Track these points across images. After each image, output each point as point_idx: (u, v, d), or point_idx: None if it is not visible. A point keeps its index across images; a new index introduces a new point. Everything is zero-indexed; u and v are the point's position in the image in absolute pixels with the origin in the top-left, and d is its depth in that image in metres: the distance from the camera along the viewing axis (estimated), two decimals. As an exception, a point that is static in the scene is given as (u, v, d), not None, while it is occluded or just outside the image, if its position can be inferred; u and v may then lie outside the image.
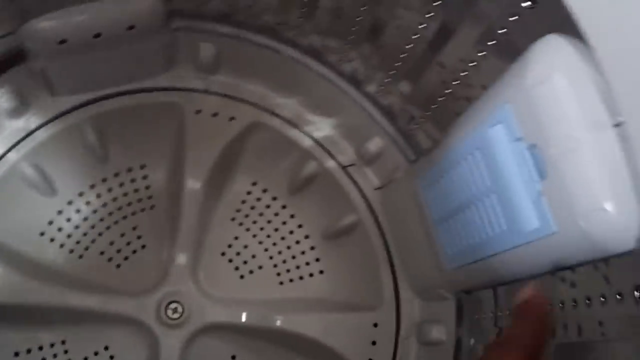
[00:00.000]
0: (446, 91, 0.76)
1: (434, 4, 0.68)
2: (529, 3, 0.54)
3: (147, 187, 1.00)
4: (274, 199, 1.03)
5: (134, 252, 0.98)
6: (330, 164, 0.98)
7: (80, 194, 0.97)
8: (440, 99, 0.79)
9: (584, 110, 0.46)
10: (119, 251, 0.98)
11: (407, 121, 0.90)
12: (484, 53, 0.65)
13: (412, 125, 0.89)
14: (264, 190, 1.03)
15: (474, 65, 0.68)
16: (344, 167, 0.98)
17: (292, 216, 1.02)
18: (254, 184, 1.03)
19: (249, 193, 1.03)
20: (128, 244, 0.98)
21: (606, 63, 0.43)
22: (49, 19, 0.78)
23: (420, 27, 0.71)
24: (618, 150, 0.44)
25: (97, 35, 0.82)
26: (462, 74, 0.71)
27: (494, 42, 0.63)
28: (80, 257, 0.96)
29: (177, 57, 0.95)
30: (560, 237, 0.50)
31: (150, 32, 0.86)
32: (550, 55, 0.49)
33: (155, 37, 0.88)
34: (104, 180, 0.99)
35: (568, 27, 0.43)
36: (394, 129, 0.93)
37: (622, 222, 0.44)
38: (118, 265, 0.97)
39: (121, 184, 1.00)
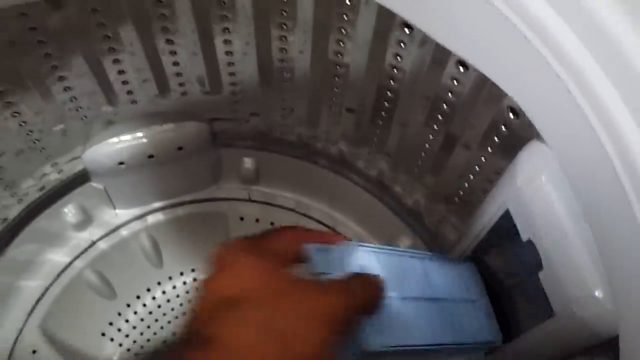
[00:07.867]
0: (461, 192, 0.83)
1: (435, 124, 0.76)
2: (513, 116, 0.62)
3: (197, 288, 1.08)
4: (314, 299, 1.08)
5: (186, 350, 1.04)
6: (364, 262, 1.03)
7: (138, 297, 1.06)
8: (456, 198, 0.84)
9: (568, 205, 0.50)
10: (171, 349, 1.04)
11: (433, 218, 0.94)
12: (484, 158, 0.72)
13: (438, 221, 0.94)
14: (305, 290, 1.08)
15: (480, 168, 0.74)
16: (376, 266, 1.03)
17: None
18: (295, 284, 1.08)
19: (290, 293, 1.08)
20: (180, 342, 1.05)
21: (565, 167, 0.49)
22: (109, 145, 0.89)
23: (430, 137, 0.79)
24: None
25: (151, 156, 0.93)
26: (470, 175, 0.77)
27: (490, 150, 0.70)
28: (137, 355, 1.03)
29: (222, 171, 1.05)
30: (556, 323, 0.54)
31: (197, 151, 0.97)
32: (535, 159, 0.55)
33: (202, 155, 0.99)
34: (159, 283, 1.07)
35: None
36: (421, 227, 0.97)
37: (612, 308, 0.47)
38: (171, 363, 1.03)
39: (174, 287, 1.08)
